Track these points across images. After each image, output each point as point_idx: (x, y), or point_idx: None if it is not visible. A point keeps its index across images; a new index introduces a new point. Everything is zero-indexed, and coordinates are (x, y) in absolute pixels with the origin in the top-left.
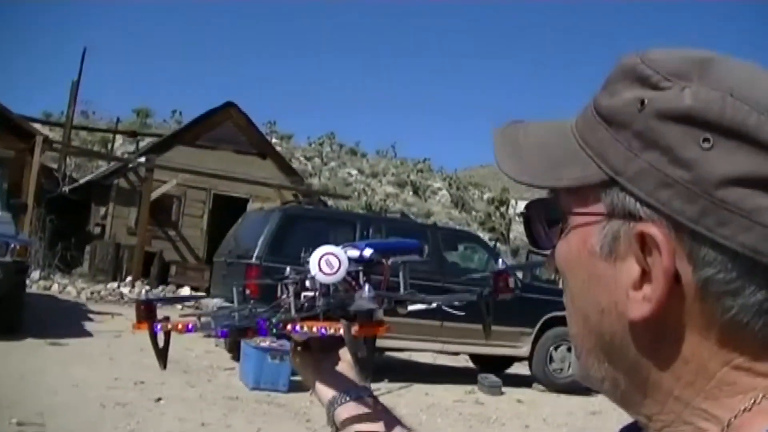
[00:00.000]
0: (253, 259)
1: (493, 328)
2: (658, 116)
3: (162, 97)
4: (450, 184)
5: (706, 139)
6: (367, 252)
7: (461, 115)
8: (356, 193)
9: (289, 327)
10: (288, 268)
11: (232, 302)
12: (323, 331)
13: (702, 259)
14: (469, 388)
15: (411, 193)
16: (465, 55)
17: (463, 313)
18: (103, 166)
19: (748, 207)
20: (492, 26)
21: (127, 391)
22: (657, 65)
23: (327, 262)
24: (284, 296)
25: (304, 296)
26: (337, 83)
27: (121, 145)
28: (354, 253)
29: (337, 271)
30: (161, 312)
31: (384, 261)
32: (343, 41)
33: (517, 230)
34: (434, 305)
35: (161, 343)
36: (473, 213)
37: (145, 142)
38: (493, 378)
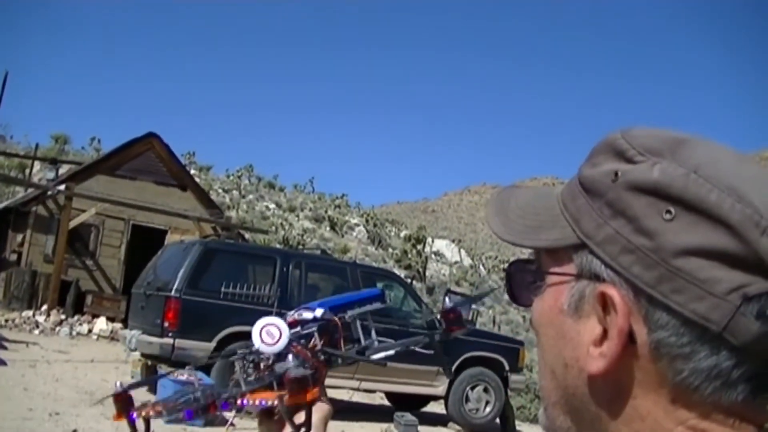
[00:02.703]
0: (173, 292)
1: (409, 366)
2: (628, 187)
3: (80, 124)
4: (367, 221)
5: (668, 211)
6: (318, 312)
7: (378, 153)
8: (274, 228)
9: (238, 401)
10: (237, 346)
11: (152, 335)
12: (263, 402)
13: (656, 322)
14: (384, 426)
15: (328, 228)
16: (383, 93)
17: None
18: (20, 192)
19: (702, 277)
20: (411, 63)
21: (42, 423)
22: (635, 141)
23: (268, 332)
24: (237, 370)
25: (263, 366)
26: (257, 115)
27: (39, 171)
28: (308, 314)
29: (278, 340)
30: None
31: (336, 318)
32: (262, 73)
33: (433, 268)
34: (392, 352)
35: (142, 429)
36: (390, 250)
37: (64, 170)
38: (409, 416)
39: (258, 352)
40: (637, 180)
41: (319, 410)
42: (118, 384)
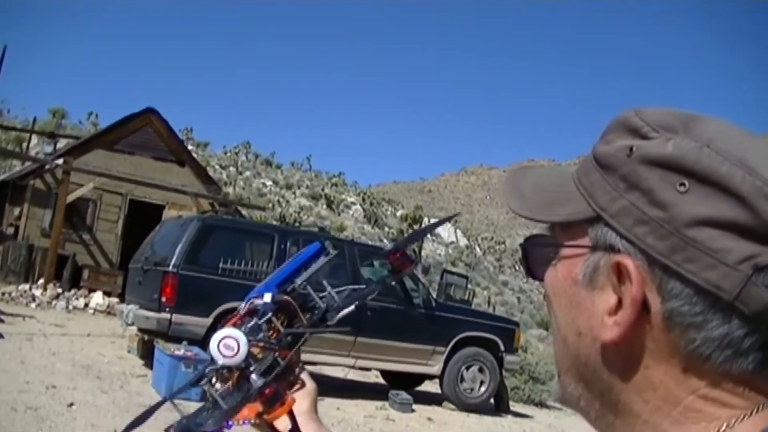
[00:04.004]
0: (170, 267)
1: (406, 345)
2: (643, 161)
3: (78, 99)
4: (364, 199)
5: (682, 184)
6: (267, 298)
7: (376, 132)
8: (271, 205)
9: (222, 425)
10: (203, 367)
11: (149, 309)
12: (246, 423)
13: (670, 291)
14: (379, 404)
15: (325, 206)
16: (380, 73)
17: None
18: (17, 166)
19: (715, 247)
20: (409, 44)
21: (38, 396)
22: (648, 118)
23: (226, 345)
24: (210, 393)
25: (235, 377)
26: (255, 92)
27: (36, 145)
28: (260, 301)
29: (237, 351)
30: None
31: (285, 296)
32: (262, 50)
33: (429, 248)
34: (352, 307)
35: None
36: (386, 229)
37: (61, 144)
38: (404, 395)
39: (223, 366)
40: (651, 154)
41: (307, 395)
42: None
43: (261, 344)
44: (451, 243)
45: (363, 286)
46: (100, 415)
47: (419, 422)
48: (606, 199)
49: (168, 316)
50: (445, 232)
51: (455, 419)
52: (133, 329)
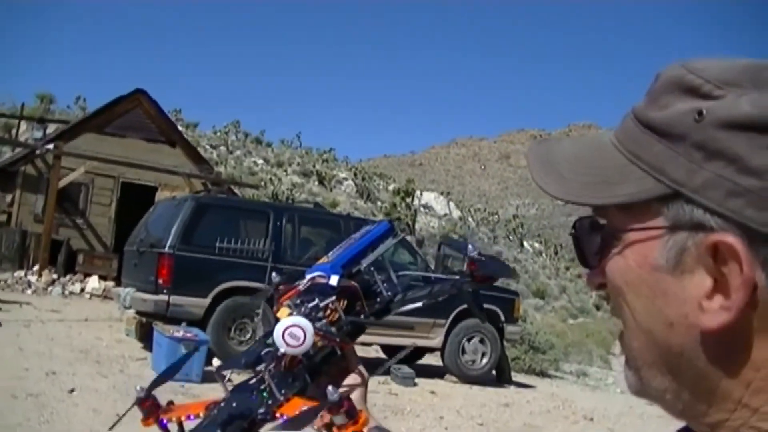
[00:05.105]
0: (166, 248)
1: (406, 318)
2: (720, 125)
3: (64, 83)
4: (355, 175)
5: None
6: (334, 281)
7: (364, 107)
8: (263, 183)
9: (277, 415)
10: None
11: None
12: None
13: None
14: (381, 378)
15: (316, 182)
16: (368, 45)
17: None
18: (7, 152)
19: None
20: (395, 17)
21: (38, 382)
22: (707, 75)
23: (291, 335)
24: (266, 376)
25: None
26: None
27: (25, 131)
28: (323, 281)
29: (303, 341)
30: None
31: (352, 282)
32: (246, 29)
33: (422, 221)
34: (420, 304)
35: (175, 430)
36: (378, 203)
37: (51, 129)
38: (406, 369)
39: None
40: (727, 116)
41: (359, 386)
42: (138, 388)
43: (322, 333)
44: (445, 215)
45: (434, 288)
46: (101, 400)
47: (422, 396)
48: (682, 172)
49: (165, 297)
50: (438, 204)
51: (458, 391)
52: (131, 312)
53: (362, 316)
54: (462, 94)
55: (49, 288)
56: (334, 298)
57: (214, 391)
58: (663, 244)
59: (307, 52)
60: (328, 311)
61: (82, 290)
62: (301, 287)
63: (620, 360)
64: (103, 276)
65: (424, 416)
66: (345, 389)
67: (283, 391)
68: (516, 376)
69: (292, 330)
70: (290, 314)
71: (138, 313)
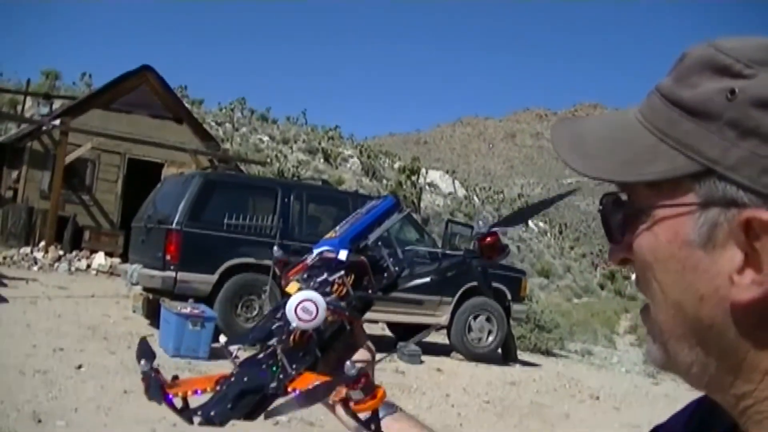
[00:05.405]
0: (174, 225)
1: (412, 296)
2: (754, 104)
3: (70, 60)
4: (361, 152)
5: None
6: (342, 255)
7: (370, 85)
8: (268, 160)
9: (289, 389)
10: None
11: (153, 268)
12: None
13: None
14: (387, 356)
15: (322, 160)
16: (374, 22)
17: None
18: (12, 129)
19: None
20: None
21: (46, 359)
22: (736, 53)
23: (304, 309)
24: (276, 351)
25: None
26: (248, 48)
27: (31, 108)
28: (331, 256)
29: (315, 316)
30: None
31: (362, 257)
32: (252, 5)
33: (428, 200)
34: (428, 279)
35: (180, 404)
36: (384, 181)
37: (56, 105)
38: (412, 346)
39: (296, 329)
40: (760, 95)
41: (368, 367)
42: (142, 363)
43: (332, 308)
44: (450, 194)
45: (442, 263)
46: (109, 377)
47: (428, 374)
48: (716, 150)
49: (173, 274)
50: (443, 183)
51: (464, 370)
52: (138, 289)
53: (370, 291)
54: (468, 74)
55: (56, 264)
56: (342, 273)
57: (221, 368)
58: (694, 221)
59: (313, 29)
60: (336, 286)
61: (89, 267)
62: (309, 261)
63: (624, 339)
64: (110, 252)
65: (430, 394)
66: (361, 364)
67: (294, 366)
68: (521, 355)
69: (305, 305)
70: (300, 289)
71: (145, 289)
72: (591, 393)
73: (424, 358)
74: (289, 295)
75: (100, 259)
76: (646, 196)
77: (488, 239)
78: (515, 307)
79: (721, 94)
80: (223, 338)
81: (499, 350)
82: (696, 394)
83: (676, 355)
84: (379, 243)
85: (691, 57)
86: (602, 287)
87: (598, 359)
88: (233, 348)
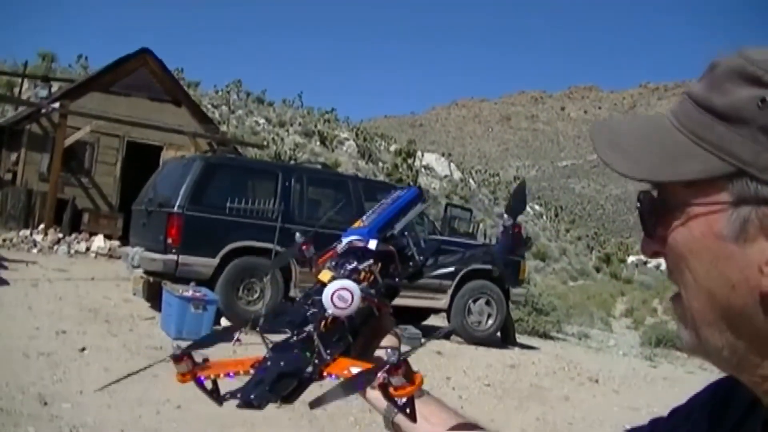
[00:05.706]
0: (175, 208)
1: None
2: None
3: (65, 42)
4: (357, 135)
5: None
6: (372, 245)
7: (365, 66)
8: (265, 143)
9: (324, 374)
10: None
11: (154, 251)
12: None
13: None
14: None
15: (318, 143)
16: (369, 4)
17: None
18: (9, 111)
19: None
20: None
21: (49, 341)
22: (765, 66)
23: (340, 297)
24: (313, 336)
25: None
26: (243, 30)
27: (27, 90)
28: (361, 245)
29: (350, 304)
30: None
31: (390, 247)
32: None
33: (424, 182)
34: (452, 269)
35: (210, 386)
36: (380, 164)
37: (55, 88)
38: (412, 329)
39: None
40: None
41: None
42: (175, 345)
43: (364, 295)
44: (446, 176)
45: (466, 253)
46: (113, 359)
47: (429, 357)
48: (749, 153)
49: (174, 257)
50: (439, 165)
51: (464, 352)
52: (139, 272)
53: (396, 279)
54: (463, 55)
55: (55, 247)
56: (371, 261)
57: (224, 350)
58: (727, 217)
59: (308, 11)
60: (365, 274)
61: (88, 249)
62: (339, 250)
63: (620, 323)
64: (109, 235)
65: (431, 376)
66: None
67: (328, 351)
68: (520, 338)
69: (341, 293)
70: (333, 276)
71: (146, 272)
72: (590, 376)
73: (423, 341)
74: (322, 283)
75: (99, 241)
76: (681, 193)
77: (515, 230)
78: (514, 290)
79: (753, 102)
80: (225, 321)
81: (498, 333)
82: (698, 378)
83: (708, 340)
84: (405, 233)
85: (722, 67)
86: (598, 270)
87: (595, 342)
88: (242, 332)
